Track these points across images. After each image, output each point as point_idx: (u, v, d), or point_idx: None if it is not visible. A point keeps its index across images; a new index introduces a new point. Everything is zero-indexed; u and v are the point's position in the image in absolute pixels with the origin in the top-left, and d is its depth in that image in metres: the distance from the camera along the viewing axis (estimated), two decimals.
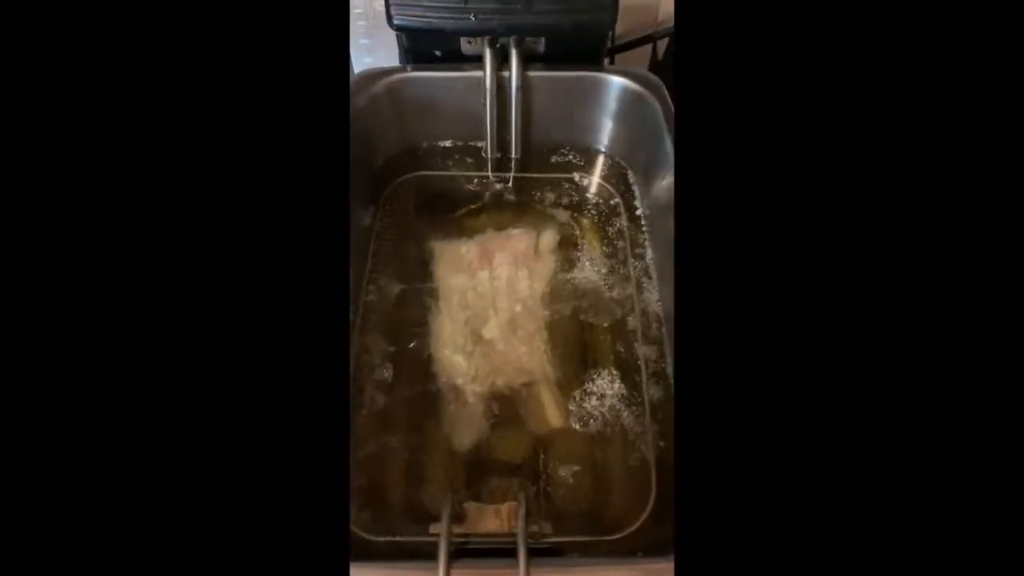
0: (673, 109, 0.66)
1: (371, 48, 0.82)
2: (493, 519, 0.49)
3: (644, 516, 0.53)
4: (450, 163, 0.76)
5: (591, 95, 0.72)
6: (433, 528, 0.47)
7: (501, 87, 0.69)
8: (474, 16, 0.62)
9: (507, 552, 0.41)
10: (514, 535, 0.45)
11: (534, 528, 0.44)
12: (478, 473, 0.55)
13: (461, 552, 0.43)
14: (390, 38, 0.73)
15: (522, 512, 0.43)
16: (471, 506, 0.50)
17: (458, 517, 0.48)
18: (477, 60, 0.68)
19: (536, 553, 0.41)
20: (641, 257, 0.69)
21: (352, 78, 0.70)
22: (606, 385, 0.60)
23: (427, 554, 0.41)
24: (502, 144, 0.73)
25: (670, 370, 0.60)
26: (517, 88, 0.68)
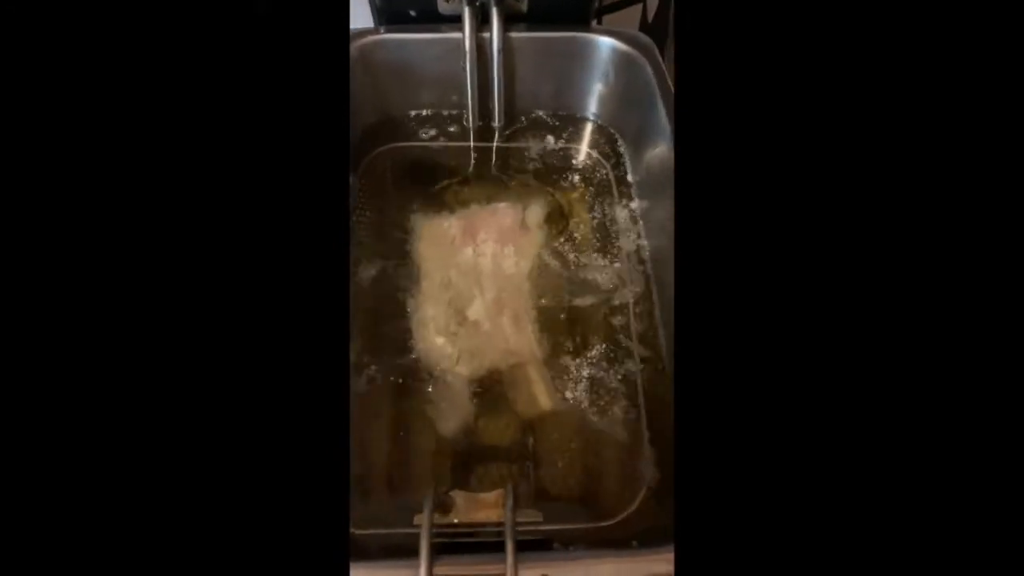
0: (666, 72, 0.62)
1: None
2: (481, 508, 0.46)
3: (638, 501, 0.51)
4: (430, 133, 0.72)
5: (578, 57, 0.68)
6: (418, 519, 0.45)
7: (482, 50, 0.64)
8: None
9: (494, 545, 0.39)
10: (502, 524, 0.43)
11: (522, 518, 0.42)
12: (465, 459, 0.53)
13: (446, 546, 0.40)
14: (361, 2, 0.68)
15: (510, 503, 0.41)
16: (457, 495, 0.48)
17: (444, 506, 0.45)
18: (455, 20, 0.64)
19: (525, 544, 0.38)
20: (632, 229, 0.66)
21: None
22: (597, 365, 0.57)
23: (412, 547, 0.39)
24: (484, 111, 0.69)
25: (663, 347, 0.58)
26: (499, 50, 0.64)
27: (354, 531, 0.48)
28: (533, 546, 0.40)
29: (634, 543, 0.41)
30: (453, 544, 0.41)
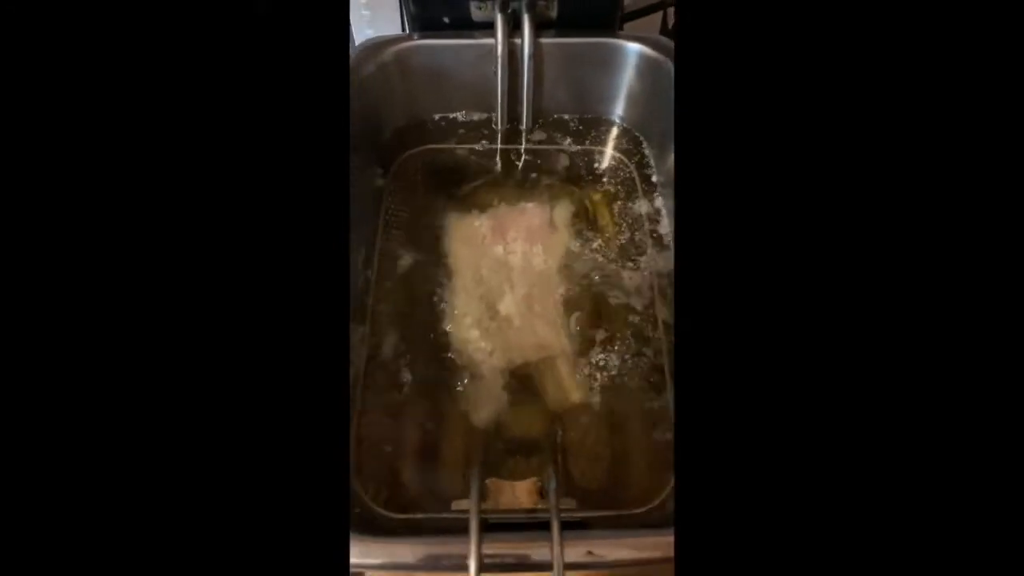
0: None
1: (372, 20, 0.79)
2: (517, 495, 0.48)
3: (667, 490, 0.53)
4: (460, 135, 0.74)
5: (605, 62, 0.70)
6: (456, 504, 0.46)
7: (512, 55, 0.67)
8: None
9: (539, 525, 0.40)
10: (537, 510, 0.44)
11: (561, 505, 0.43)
12: (497, 450, 0.55)
13: (489, 526, 0.42)
14: (392, 9, 0.71)
15: (553, 484, 0.42)
16: (493, 482, 0.49)
17: (481, 494, 0.47)
18: (487, 27, 0.66)
19: (567, 525, 0.40)
20: (656, 228, 0.68)
21: (356, 48, 0.67)
22: (625, 358, 0.59)
23: (453, 528, 0.40)
24: (513, 115, 0.71)
25: None
26: (529, 56, 0.66)
27: (392, 515, 0.50)
28: (575, 526, 0.41)
29: (670, 525, 0.42)
30: (495, 525, 0.42)
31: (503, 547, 0.39)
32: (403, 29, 0.71)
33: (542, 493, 0.47)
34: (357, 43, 0.69)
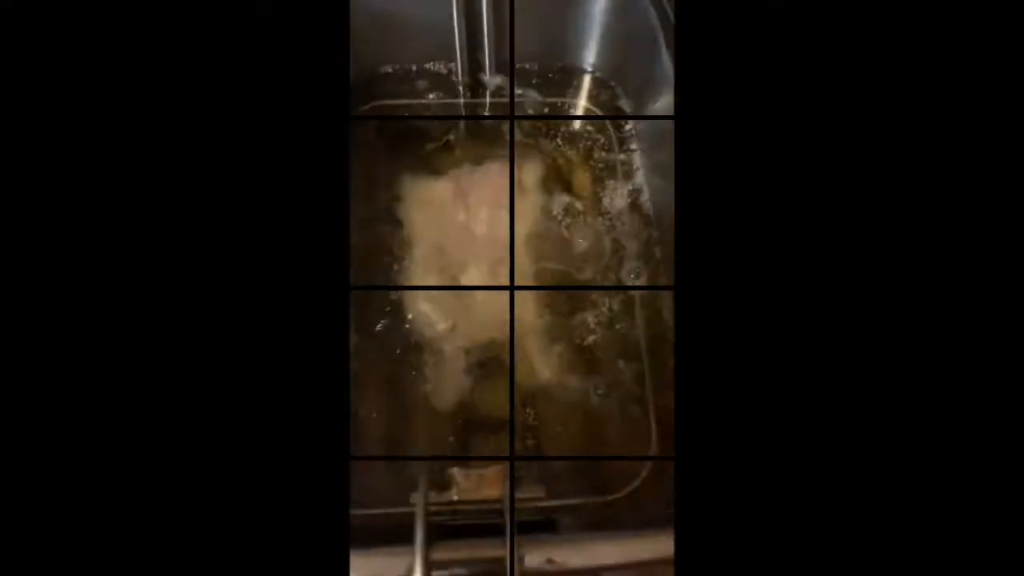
0: (671, 17, 0.57)
1: None
2: (481, 485, 0.44)
3: (645, 472, 0.49)
4: (416, 89, 0.67)
5: (576, 2, 0.63)
6: (413, 498, 0.43)
7: None
8: None
9: (495, 527, 0.37)
10: (501, 503, 0.41)
11: (524, 494, 0.40)
12: (463, 433, 0.51)
13: (445, 527, 0.38)
14: None
15: (508, 482, 0.39)
16: (456, 471, 0.45)
17: (443, 484, 0.43)
18: None
19: (529, 526, 0.36)
20: (635, 189, 0.62)
21: None
22: (599, 331, 0.55)
23: (409, 527, 0.37)
24: (474, 65, 0.64)
25: (666, 313, 0.55)
26: None
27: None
28: (537, 527, 0.37)
29: (638, 523, 0.39)
30: (452, 525, 0.39)
31: (454, 553, 0.36)
32: None
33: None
34: None
